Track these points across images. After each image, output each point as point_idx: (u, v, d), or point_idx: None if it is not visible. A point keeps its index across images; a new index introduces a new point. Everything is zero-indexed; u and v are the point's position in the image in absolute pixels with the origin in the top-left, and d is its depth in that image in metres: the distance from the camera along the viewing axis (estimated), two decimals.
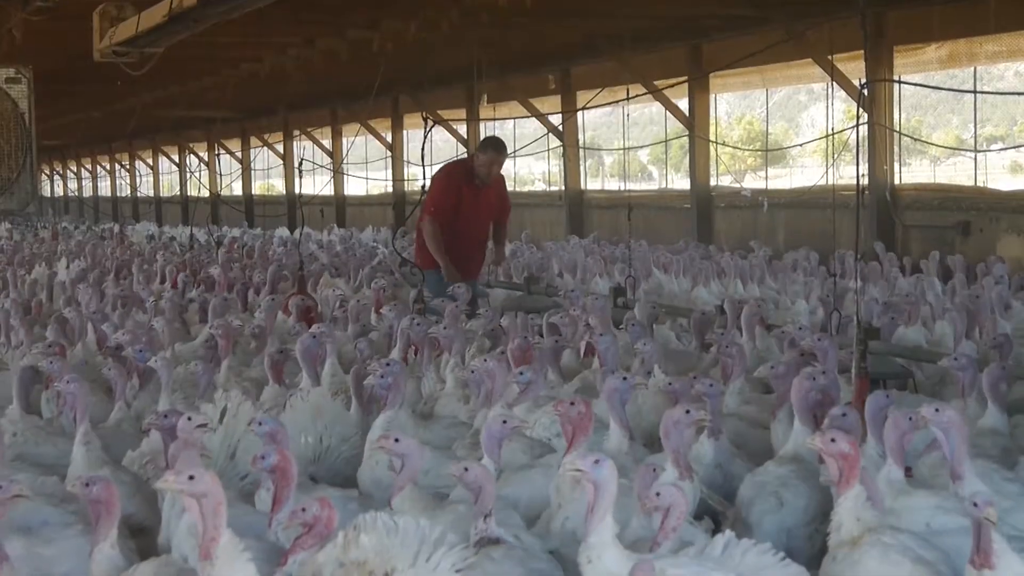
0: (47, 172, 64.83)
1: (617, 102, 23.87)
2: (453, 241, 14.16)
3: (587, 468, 5.33)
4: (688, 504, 5.72)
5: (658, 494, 5.57)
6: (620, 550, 5.21)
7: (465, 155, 32.25)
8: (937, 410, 6.11)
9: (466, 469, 5.77)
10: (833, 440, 5.66)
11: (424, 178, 14.16)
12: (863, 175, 15.21)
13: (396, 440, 6.26)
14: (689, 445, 6.67)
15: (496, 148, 14.55)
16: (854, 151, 10.74)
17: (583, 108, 25.03)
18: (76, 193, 66.62)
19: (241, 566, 4.91)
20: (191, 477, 4.96)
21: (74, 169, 67.89)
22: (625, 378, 7.41)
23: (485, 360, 8.26)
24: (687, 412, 6.56)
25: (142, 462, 7.27)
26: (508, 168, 35.41)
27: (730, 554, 5.25)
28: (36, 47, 18.79)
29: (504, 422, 6.85)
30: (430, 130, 14.11)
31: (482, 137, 33.11)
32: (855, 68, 20.52)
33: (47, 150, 52.17)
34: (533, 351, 9.35)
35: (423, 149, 13.96)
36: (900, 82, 21.09)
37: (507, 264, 17.94)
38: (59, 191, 69.39)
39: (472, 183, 14.26)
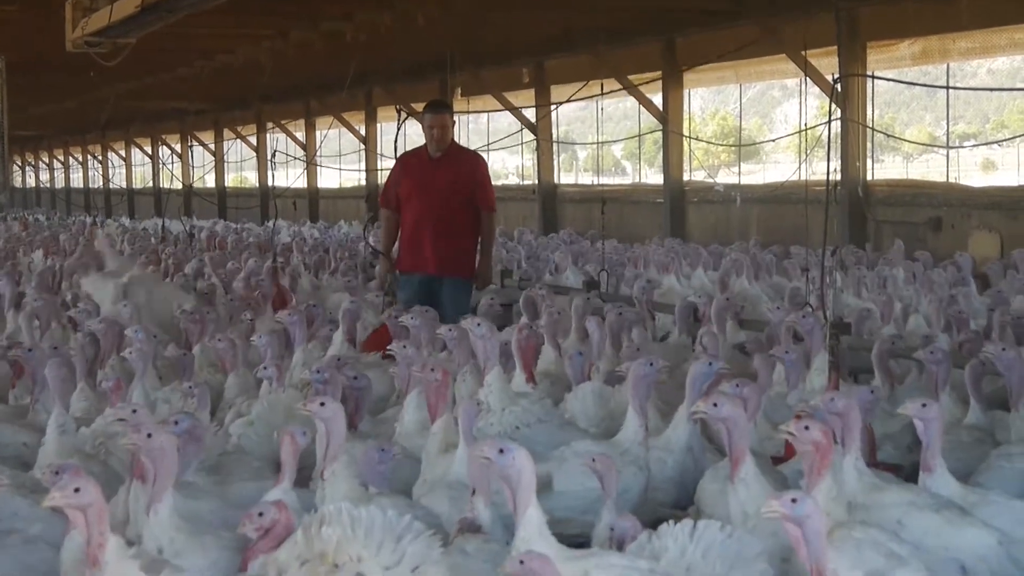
0: (19, 163, 64.62)
1: (591, 97, 23.89)
2: (409, 229, 12.53)
3: (492, 456, 5.21)
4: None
5: (612, 528, 5.59)
6: (549, 542, 5.12)
7: None
8: (924, 405, 6.15)
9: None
10: (807, 428, 5.57)
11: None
12: (835, 171, 15.25)
13: (322, 404, 6.18)
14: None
15: (433, 108, 12.64)
16: (826, 147, 10.75)
17: (558, 104, 25.09)
18: (48, 184, 66.39)
19: (129, 570, 4.92)
20: (76, 490, 4.92)
21: (46, 160, 67.65)
22: (651, 364, 7.28)
23: (480, 324, 8.27)
24: (650, 364, 6.88)
25: (95, 442, 7.26)
26: None
27: (679, 543, 5.25)
28: (8, 37, 18.74)
29: (478, 403, 6.84)
30: (403, 122, 14.06)
31: (456, 131, 33.33)
32: (828, 64, 20.57)
33: (19, 140, 51.98)
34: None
35: (396, 142, 13.89)
36: (873, 77, 21.15)
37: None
38: (31, 182, 69.18)
39: (424, 159, 12.51)
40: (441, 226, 12.26)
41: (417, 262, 12.34)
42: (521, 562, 4.54)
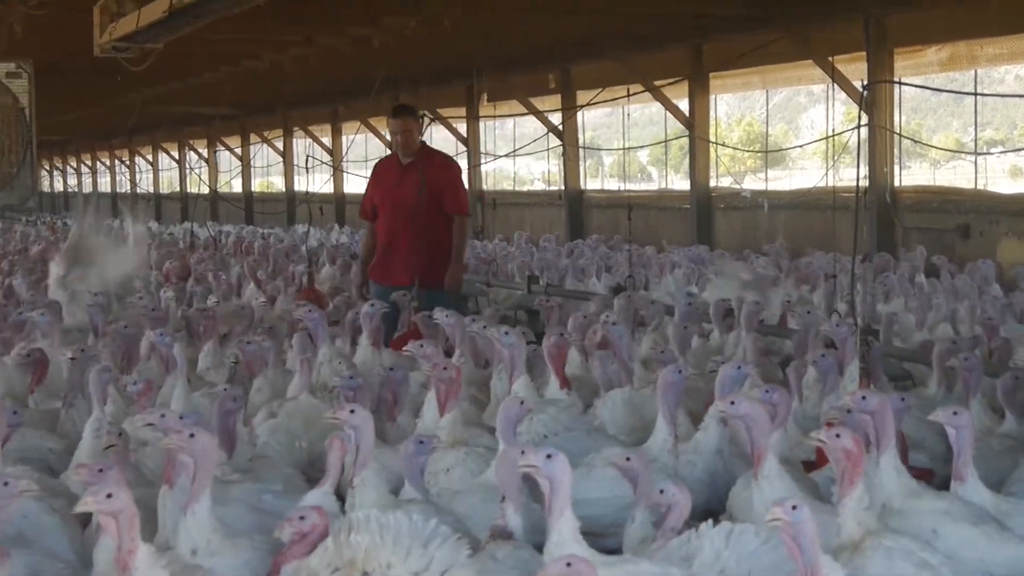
0: (47, 167, 64.84)
1: (616, 99, 23.88)
2: (382, 238, 12.29)
3: (539, 464, 5.23)
4: (690, 505, 5.66)
5: (662, 491, 5.55)
6: (583, 547, 5.15)
7: (465, 154, 32.37)
8: (955, 413, 6.11)
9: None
10: (838, 436, 5.53)
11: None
12: (863, 177, 15.22)
13: (352, 412, 6.14)
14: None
15: (395, 113, 12.34)
16: (854, 153, 10.72)
17: (584, 107, 25.07)
18: (76, 189, 66.57)
19: None
20: (109, 495, 4.92)
21: (74, 165, 67.84)
22: (680, 371, 7.27)
23: (507, 333, 8.28)
24: (679, 372, 6.86)
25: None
26: (507, 167, 35.42)
27: (715, 546, 5.24)
28: (37, 42, 18.77)
29: (522, 403, 6.78)
30: (428, 126, 14.01)
31: (483, 137, 33.31)
32: (855, 70, 20.51)
33: (47, 145, 52.17)
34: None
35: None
36: (901, 83, 21.07)
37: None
38: (59, 186, 69.38)
39: (395, 166, 12.28)
40: (413, 236, 11.98)
41: (389, 274, 12.09)
42: (568, 564, 4.52)
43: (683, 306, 11.31)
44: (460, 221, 12.18)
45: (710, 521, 5.41)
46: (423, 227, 11.93)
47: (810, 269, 16.80)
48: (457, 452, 6.90)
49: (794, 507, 4.75)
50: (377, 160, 12.93)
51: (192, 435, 5.60)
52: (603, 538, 5.95)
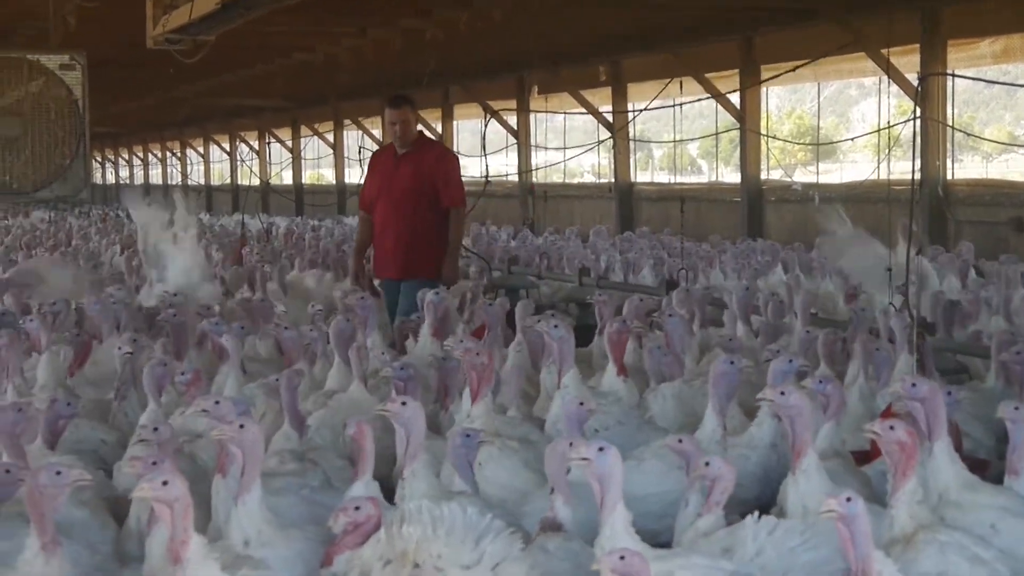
0: (99, 159, 65.19)
1: (668, 97, 23.80)
2: (377, 230, 12.06)
3: (591, 456, 5.24)
4: (734, 479, 5.65)
5: (707, 464, 5.54)
6: (635, 540, 5.16)
7: (516, 146, 32.37)
8: (1016, 408, 6.08)
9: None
10: (892, 428, 5.50)
11: (485, 168, 13.52)
12: (916, 170, 15.12)
13: (403, 404, 6.15)
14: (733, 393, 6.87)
15: (393, 103, 12.11)
16: (906, 146, 10.65)
17: (639, 111, 24.99)
18: (127, 180, 66.92)
19: (210, 571, 4.93)
20: (164, 483, 4.94)
21: (126, 156, 68.20)
22: (732, 362, 7.25)
23: (556, 326, 8.27)
24: (731, 363, 6.79)
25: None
26: (557, 159, 35.36)
27: (757, 540, 5.22)
28: (90, 34, 18.82)
29: (581, 403, 6.73)
30: (489, 121, 13.99)
31: (532, 129, 33.28)
32: (907, 63, 20.39)
33: (99, 137, 52.42)
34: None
35: (483, 138, 13.77)
36: (956, 76, 20.94)
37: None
38: (111, 178, 69.77)
39: (390, 156, 12.12)
40: (405, 228, 11.77)
41: (383, 267, 11.99)
42: (622, 557, 4.53)
43: (742, 293, 11.25)
44: (457, 213, 11.91)
45: (756, 514, 5.40)
46: (414, 221, 11.75)
47: None
48: (490, 448, 6.74)
49: (848, 499, 4.73)
50: (375, 151, 12.75)
51: (241, 426, 5.62)
52: (654, 533, 5.96)
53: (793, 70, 18.81)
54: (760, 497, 6.80)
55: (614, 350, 8.70)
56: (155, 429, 6.28)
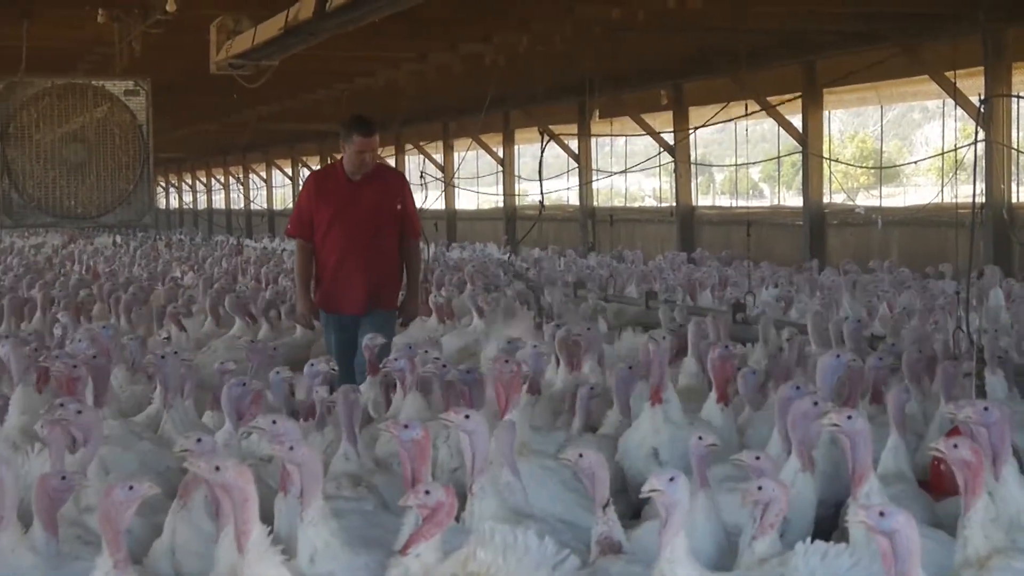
0: (162, 184, 65.70)
1: (731, 118, 23.73)
2: (332, 262, 10.94)
3: (663, 487, 5.18)
4: (787, 502, 5.58)
5: (760, 488, 5.48)
6: (694, 566, 5.13)
7: (576, 171, 32.35)
8: None
9: (581, 455, 5.70)
10: (956, 446, 5.40)
11: (541, 193, 13.41)
12: (980, 193, 15.01)
13: (467, 416, 6.06)
14: (816, 437, 6.52)
15: (366, 129, 10.79)
16: (970, 169, 10.56)
17: (697, 128, 24.92)
18: (190, 205, 67.42)
19: (272, 565, 4.95)
20: (216, 468, 5.09)
21: (189, 181, 68.69)
22: (798, 387, 7.08)
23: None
24: (815, 404, 6.47)
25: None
26: (618, 183, 35.33)
27: (809, 565, 5.18)
28: (154, 60, 18.99)
29: (700, 438, 6.31)
30: (547, 145, 13.96)
31: (594, 153, 33.27)
32: (971, 85, 20.25)
33: (163, 162, 52.84)
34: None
35: (540, 163, 13.75)
36: (1020, 97, 20.78)
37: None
38: (174, 203, 70.29)
39: (343, 181, 10.94)
40: (370, 260, 10.89)
41: (344, 302, 10.92)
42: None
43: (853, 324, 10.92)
44: (415, 244, 11.26)
45: (808, 539, 5.35)
46: (378, 251, 10.94)
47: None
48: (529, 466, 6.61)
49: (882, 513, 4.64)
50: (312, 174, 11.83)
51: (291, 448, 5.61)
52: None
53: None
54: (835, 497, 6.73)
55: (716, 376, 8.33)
56: (198, 440, 6.13)
